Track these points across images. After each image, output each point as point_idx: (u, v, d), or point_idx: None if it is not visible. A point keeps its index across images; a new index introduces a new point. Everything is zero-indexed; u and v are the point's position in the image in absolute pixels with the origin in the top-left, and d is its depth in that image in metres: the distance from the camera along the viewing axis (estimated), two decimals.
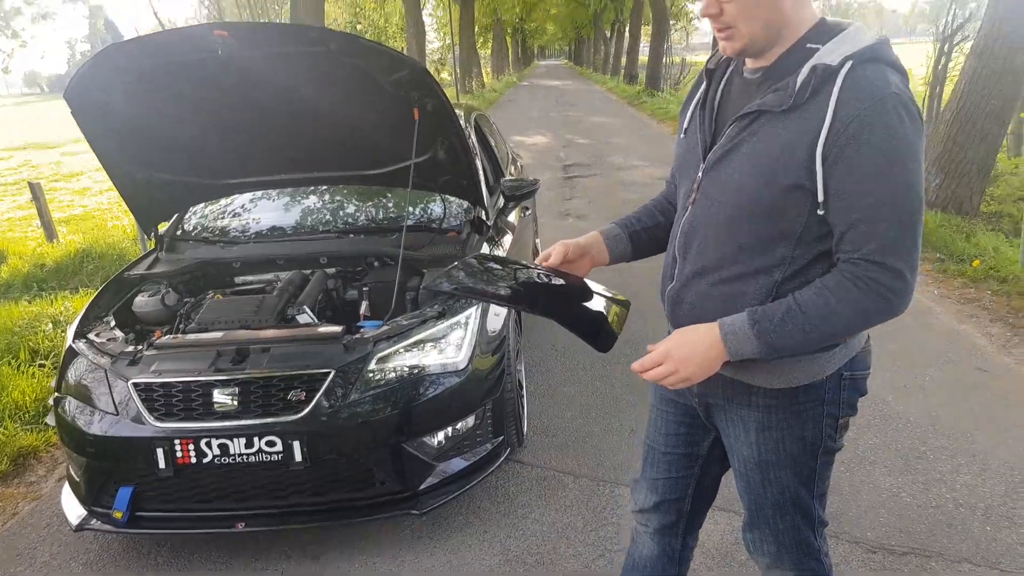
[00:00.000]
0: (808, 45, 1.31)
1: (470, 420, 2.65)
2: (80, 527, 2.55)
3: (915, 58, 11.13)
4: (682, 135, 1.54)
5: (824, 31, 1.32)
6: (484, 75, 34.18)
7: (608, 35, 46.74)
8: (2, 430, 3.63)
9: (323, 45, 2.56)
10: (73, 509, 2.65)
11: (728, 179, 1.35)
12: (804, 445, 1.47)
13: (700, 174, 1.43)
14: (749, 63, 1.40)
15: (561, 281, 1.52)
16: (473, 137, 3.90)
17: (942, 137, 6.67)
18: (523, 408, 3.13)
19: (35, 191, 8.31)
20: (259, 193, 3.83)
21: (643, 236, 1.69)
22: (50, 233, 8.22)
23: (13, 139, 22.52)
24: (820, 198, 1.25)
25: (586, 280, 1.56)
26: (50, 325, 4.94)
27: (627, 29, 35.41)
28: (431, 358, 2.58)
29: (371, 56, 2.64)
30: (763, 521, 1.58)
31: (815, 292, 1.29)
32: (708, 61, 1.52)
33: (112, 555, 2.68)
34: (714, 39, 1.45)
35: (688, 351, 1.33)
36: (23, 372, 4.22)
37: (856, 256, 1.26)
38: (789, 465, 1.49)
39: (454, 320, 2.66)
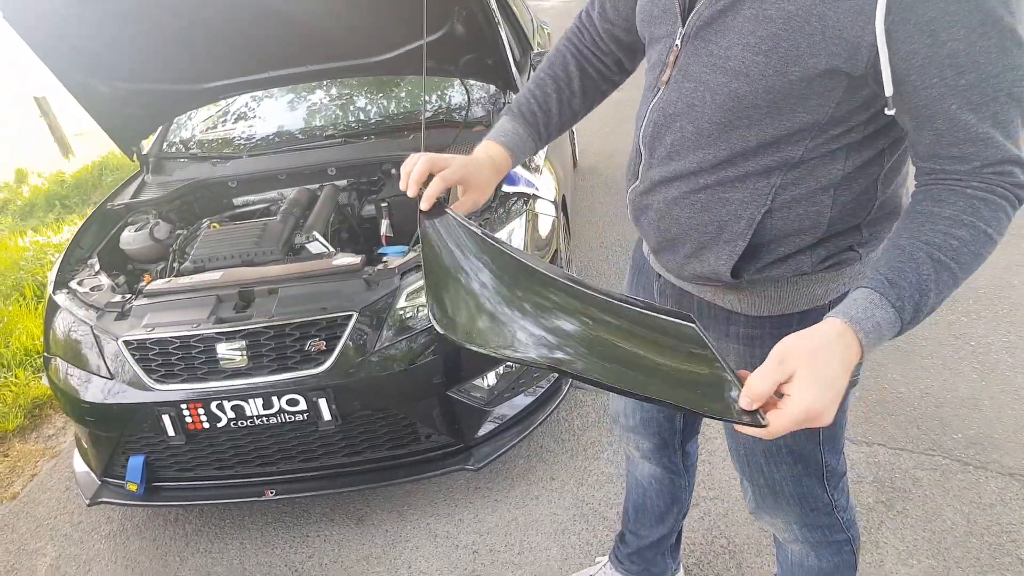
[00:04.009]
0: None
1: None
2: (94, 501, 2.26)
3: None
4: None
5: None
6: None
7: None
8: (13, 381, 3.35)
9: None
10: (86, 477, 2.36)
11: (723, 56, 0.95)
12: None
13: (678, 42, 1.00)
14: None
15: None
16: (492, 2, 3.27)
17: None
18: None
19: (42, 106, 7.94)
20: (250, 97, 3.29)
21: (547, 124, 1.26)
22: (64, 148, 7.95)
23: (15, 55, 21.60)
24: (888, 90, 0.85)
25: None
26: (57, 255, 4.61)
27: None
28: None
29: None
30: (755, 469, 1.29)
31: (961, 226, 0.85)
32: None
33: (136, 525, 2.41)
34: None
35: (837, 391, 0.80)
36: (32, 310, 3.92)
37: (977, 164, 0.86)
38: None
39: None
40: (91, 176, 6.95)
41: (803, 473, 1.26)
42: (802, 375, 0.78)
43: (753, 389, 0.80)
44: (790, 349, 0.81)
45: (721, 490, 2.19)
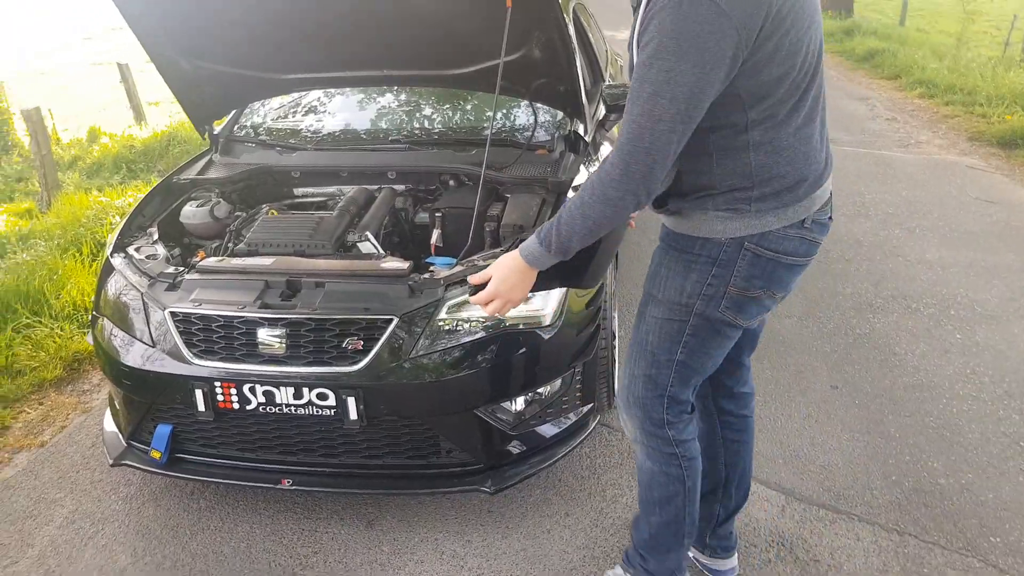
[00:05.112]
0: None
1: (556, 384, 2.23)
2: (117, 462, 2.30)
3: None
4: None
5: None
6: None
7: None
8: (59, 332, 3.45)
9: None
10: (113, 438, 2.41)
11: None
12: (680, 294, 1.55)
13: None
14: None
15: None
16: (572, 31, 3.28)
17: None
18: (615, 362, 2.68)
19: (123, 72, 8.21)
20: (324, 93, 3.36)
21: None
22: (138, 115, 8.20)
23: (109, 21, 22.52)
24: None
25: None
26: (117, 218, 4.75)
27: None
28: (513, 310, 2.12)
29: None
30: (631, 361, 1.68)
31: (577, 196, 1.41)
32: None
33: (152, 492, 2.44)
34: None
35: (509, 284, 1.52)
36: (86, 267, 4.04)
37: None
38: (663, 306, 1.58)
39: None
40: (159, 145, 7.14)
41: (652, 380, 1.63)
42: (494, 275, 1.52)
43: (474, 277, 1.57)
44: (496, 261, 1.54)
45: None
